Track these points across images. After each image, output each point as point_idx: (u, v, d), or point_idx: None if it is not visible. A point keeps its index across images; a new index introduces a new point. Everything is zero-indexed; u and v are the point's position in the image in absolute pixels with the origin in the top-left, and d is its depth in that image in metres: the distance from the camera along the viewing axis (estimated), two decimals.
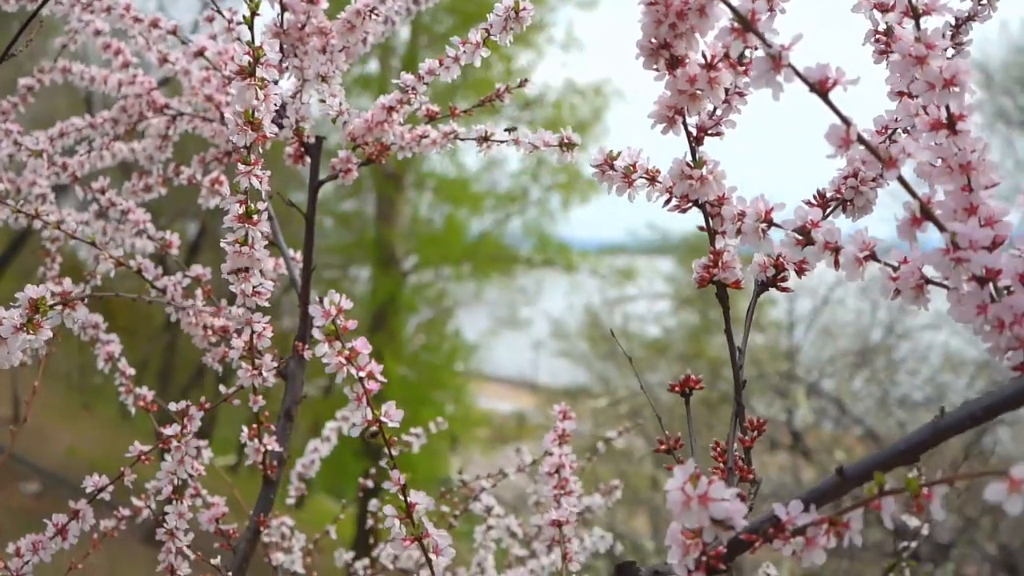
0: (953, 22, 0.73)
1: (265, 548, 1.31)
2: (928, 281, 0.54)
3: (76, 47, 1.33)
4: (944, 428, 0.50)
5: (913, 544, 1.09)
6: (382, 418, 0.62)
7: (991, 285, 0.52)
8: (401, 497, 0.64)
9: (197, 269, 1.05)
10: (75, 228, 1.02)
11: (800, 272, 0.67)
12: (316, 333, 0.61)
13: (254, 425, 0.96)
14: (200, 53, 1.06)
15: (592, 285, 11.45)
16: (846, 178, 0.68)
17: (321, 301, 0.61)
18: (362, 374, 0.62)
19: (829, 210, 0.68)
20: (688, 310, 10.37)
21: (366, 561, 1.34)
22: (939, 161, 0.55)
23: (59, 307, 0.67)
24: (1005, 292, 0.52)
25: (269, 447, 0.96)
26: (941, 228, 0.51)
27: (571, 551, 0.92)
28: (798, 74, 0.50)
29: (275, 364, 0.91)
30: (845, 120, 0.50)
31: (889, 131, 0.68)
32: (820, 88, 0.50)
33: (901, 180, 0.51)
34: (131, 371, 1.09)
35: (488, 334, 12.01)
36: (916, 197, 0.52)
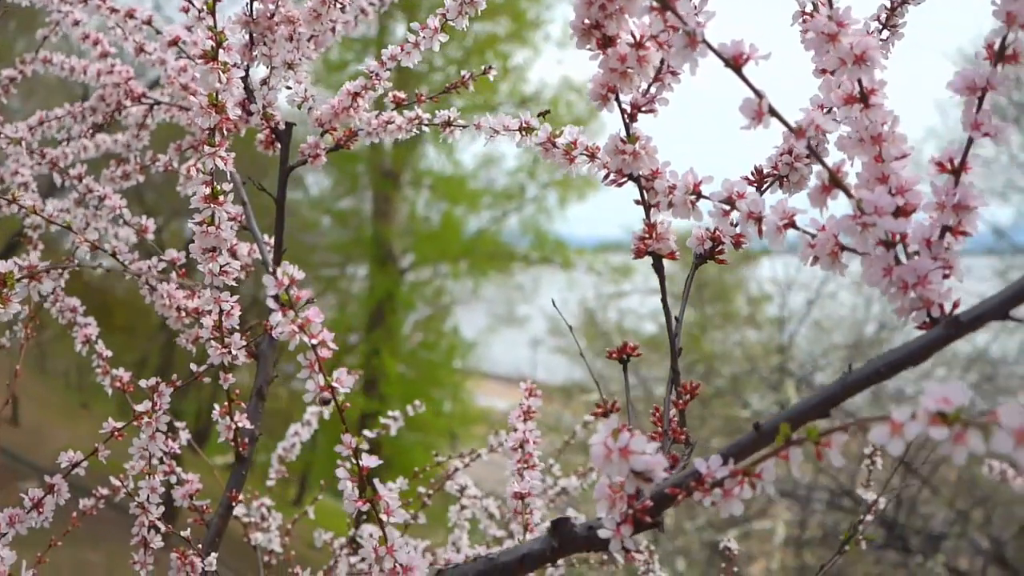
0: (889, 4, 0.76)
1: (245, 528, 1.34)
2: (843, 248, 0.57)
3: (62, 41, 1.36)
4: (851, 384, 0.52)
5: (868, 518, 1.12)
6: (334, 384, 0.65)
7: (900, 249, 0.55)
8: (353, 460, 0.67)
9: (171, 253, 1.08)
10: (53, 213, 1.05)
11: (737, 245, 0.70)
12: (270, 303, 0.64)
13: (225, 403, 0.99)
14: (174, 43, 1.09)
15: (589, 282, 11.51)
16: (782, 154, 0.71)
17: (275, 273, 0.64)
18: (315, 341, 0.64)
19: (766, 185, 0.71)
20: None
21: (343, 540, 1.37)
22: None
23: (26, 280, 0.70)
24: (916, 257, 0.55)
25: (240, 424, 0.99)
26: (849, 195, 0.54)
27: (532, 522, 0.95)
28: (713, 50, 0.53)
29: (244, 343, 0.94)
30: (758, 93, 0.53)
31: (824, 110, 0.71)
32: (734, 63, 0.53)
33: (810, 149, 0.54)
34: (108, 353, 1.12)
35: (486, 331, 12.06)
36: (825, 167, 0.55)
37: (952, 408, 0.40)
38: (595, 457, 0.52)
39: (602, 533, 0.57)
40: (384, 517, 0.67)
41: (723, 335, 8.73)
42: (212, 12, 0.75)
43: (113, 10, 1.13)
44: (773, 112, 0.53)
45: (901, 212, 0.55)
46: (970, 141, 0.55)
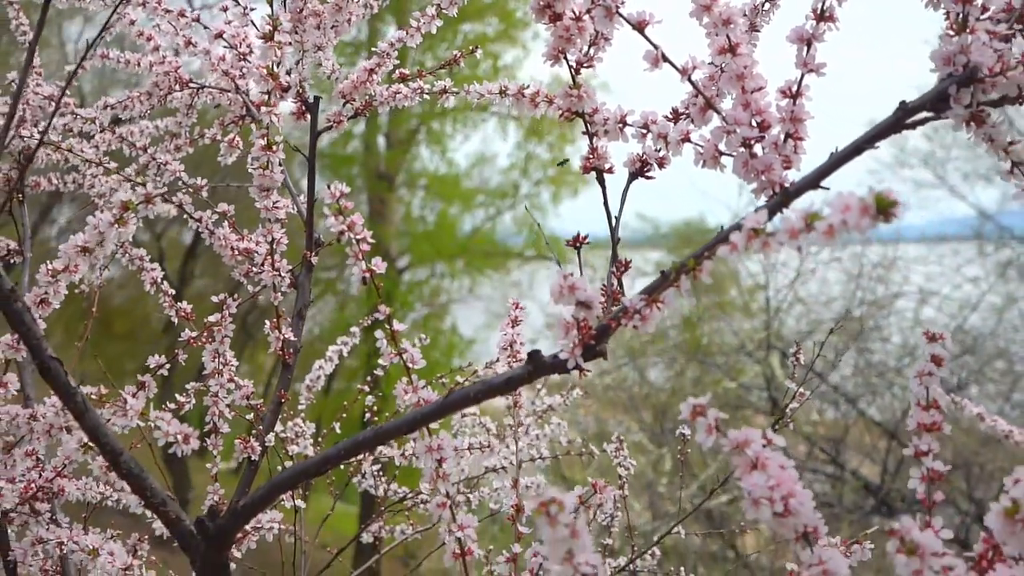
0: None
1: (282, 443, 1.60)
2: (721, 152, 0.82)
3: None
4: (727, 231, 0.78)
5: (794, 405, 1.38)
6: (372, 267, 0.91)
7: (758, 150, 0.81)
8: (387, 325, 0.93)
9: (223, 206, 1.33)
10: (126, 174, 1.31)
11: (660, 165, 0.95)
12: (326, 207, 0.90)
13: (274, 319, 1.24)
14: (219, 35, 1.35)
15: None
16: (690, 96, 0.96)
17: (329, 187, 0.89)
18: (358, 237, 0.90)
19: (681, 120, 0.97)
20: (679, 298, 10.64)
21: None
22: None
23: (144, 203, 0.95)
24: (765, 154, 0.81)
25: (287, 336, 1.25)
26: (719, 113, 0.80)
27: (521, 401, 1.20)
28: (624, 19, 0.79)
29: (290, 267, 1.19)
30: (655, 46, 0.79)
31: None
32: (639, 26, 0.79)
33: (691, 82, 0.80)
34: (172, 291, 1.37)
35: (484, 328, 12.29)
36: (704, 96, 0.80)
37: (760, 225, 0.65)
38: (552, 293, 0.78)
39: (561, 355, 0.82)
40: (410, 365, 0.93)
41: (718, 325, 9.00)
42: (271, 2, 1.01)
43: (167, 11, 1.38)
44: (665, 59, 0.79)
45: (761, 127, 0.81)
46: (802, 75, 0.80)
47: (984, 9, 0.74)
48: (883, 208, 0.56)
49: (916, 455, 0.76)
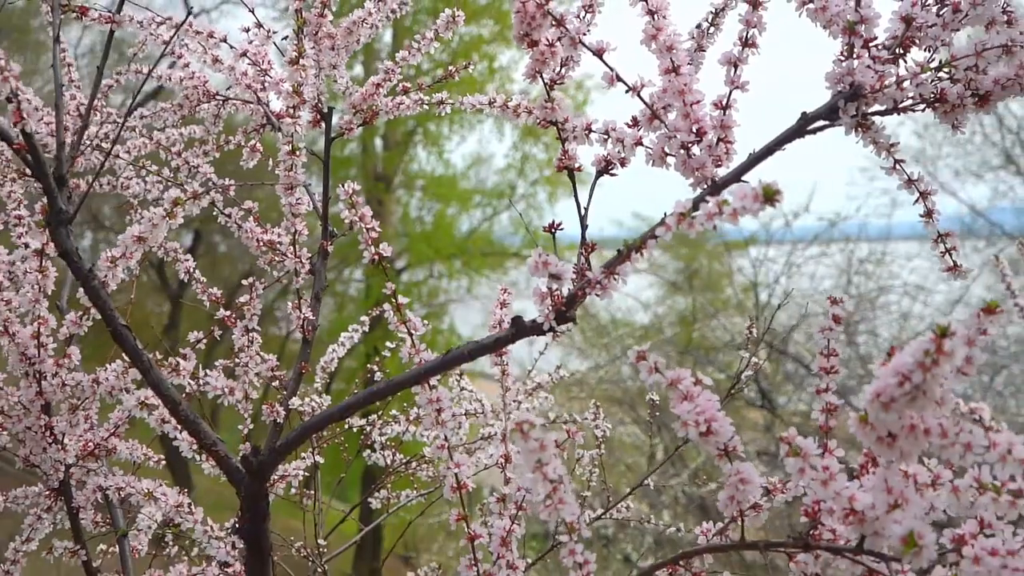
0: (713, 10, 1.20)
1: (300, 415, 1.78)
2: (666, 154, 1.01)
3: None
4: (659, 223, 0.97)
5: (748, 373, 1.57)
6: (380, 251, 1.10)
7: (695, 150, 1.00)
8: (393, 300, 1.12)
9: (248, 203, 1.52)
10: (164, 174, 1.49)
11: (623, 165, 1.14)
12: (340, 202, 1.09)
13: (295, 300, 1.43)
14: (244, 54, 1.53)
15: None
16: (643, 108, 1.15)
17: (343, 185, 1.08)
18: (368, 226, 1.09)
19: (638, 128, 1.15)
20: (676, 296, 10.86)
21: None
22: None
23: (191, 199, 1.14)
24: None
25: (306, 315, 1.44)
26: (662, 121, 0.99)
27: (509, 370, 1.39)
28: (586, 47, 0.98)
29: (309, 255, 1.38)
30: (611, 68, 0.98)
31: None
32: (598, 53, 0.98)
33: (640, 97, 0.99)
34: (204, 280, 1.56)
35: (481, 328, 12.47)
36: (649, 107, 0.99)
37: (686, 210, 0.84)
38: (529, 268, 0.97)
39: (538, 319, 1.01)
40: (413, 332, 1.12)
41: (712, 323, 9.20)
42: (298, 33, 1.20)
43: (197, 32, 1.57)
44: (619, 78, 0.98)
45: (698, 133, 1.00)
46: (730, 91, 0.99)
47: (870, 40, 0.93)
48: (769, 196, 0.75)
49: (817, 392, 0.95)
